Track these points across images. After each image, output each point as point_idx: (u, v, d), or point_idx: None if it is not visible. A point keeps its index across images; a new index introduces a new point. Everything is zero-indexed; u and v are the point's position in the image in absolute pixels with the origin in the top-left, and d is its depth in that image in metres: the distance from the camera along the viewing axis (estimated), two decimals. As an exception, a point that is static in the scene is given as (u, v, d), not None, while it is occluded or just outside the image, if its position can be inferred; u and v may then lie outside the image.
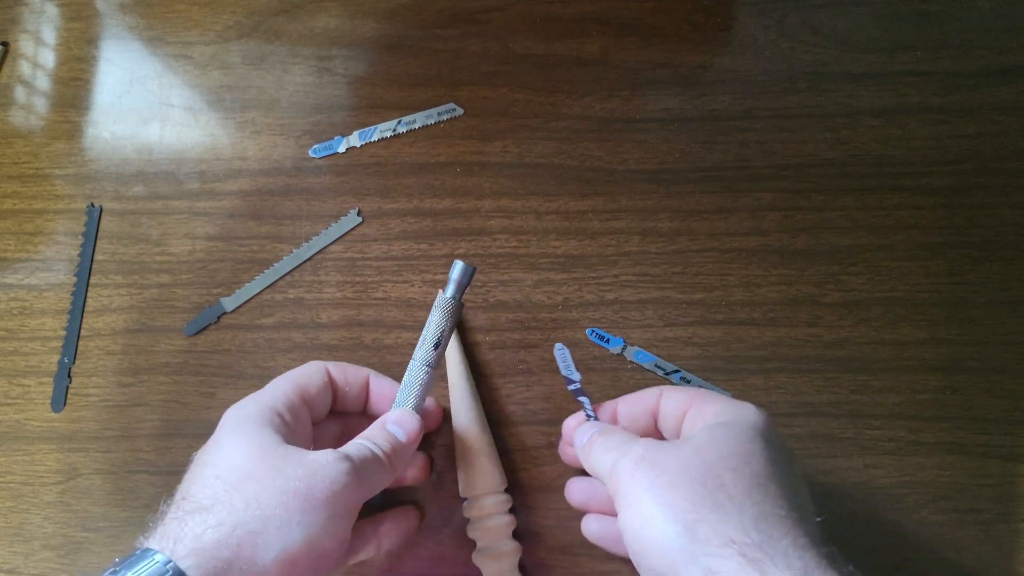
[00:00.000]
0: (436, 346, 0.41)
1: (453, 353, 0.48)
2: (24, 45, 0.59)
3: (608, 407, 0.42)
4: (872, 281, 0.50)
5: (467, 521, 0.46)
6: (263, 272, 0.52)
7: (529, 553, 0.46)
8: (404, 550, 0.47)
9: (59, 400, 0.51)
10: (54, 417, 0.51)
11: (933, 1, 0.55)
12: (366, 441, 0.38)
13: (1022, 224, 0.51)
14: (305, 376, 0.41)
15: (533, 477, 0.48)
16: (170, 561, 0.30)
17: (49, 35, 0.59)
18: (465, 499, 0.46)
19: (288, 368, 0.42)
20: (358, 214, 0.53)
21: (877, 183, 0.52)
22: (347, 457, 0.36)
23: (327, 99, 0.56)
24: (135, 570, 0.30)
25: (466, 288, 0.42)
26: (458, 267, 0.41)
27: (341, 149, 0.55)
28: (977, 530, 0.46)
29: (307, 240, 0.53)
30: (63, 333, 0.52)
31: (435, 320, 0.41)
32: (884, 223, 0.51)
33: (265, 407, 0.38)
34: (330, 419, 0.44)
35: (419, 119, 0.55)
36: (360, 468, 0.36)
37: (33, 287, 0.54)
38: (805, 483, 0.35)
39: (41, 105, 0.58)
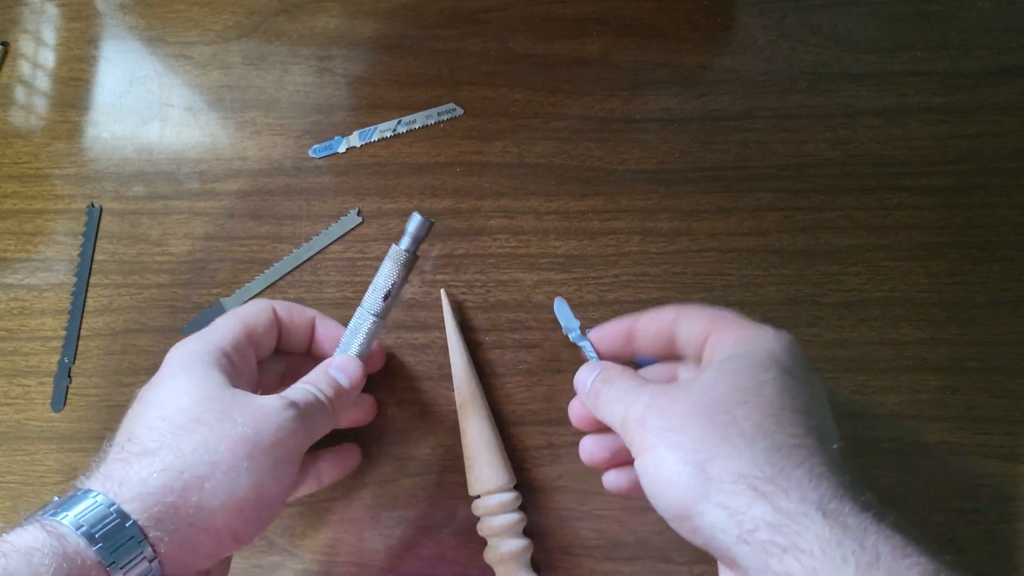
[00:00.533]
0: (385, 297, 0.41)
1: (458, 352, 0.48)
2: (24, 45, 0.59)
3: (621, 327, 0.41)
4: (872, 281, 0.50)
5: (476, 520, 0.46)
6: (263, 272, 0.52)
7: (529, 553, 0.47)
8: (405, 549, 0.47)
9: (59, 400, 0.51)
10: (54, 417, 0.51)
11: (933, 1, 0.55)
12: (310, 386, 0.38)
13: (1022, 224, 0.51)
14: (252, 315, 0.41)
15: (533, 477, 0.48)
16: (113, 504, 0.30)
17: (49, 35, 0.59)
18: (474, 498, 0.46)
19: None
20: (358, 214, 0.53)
21: (877, 183, 0.52)
22: (293, 404, 0.36)
23: (327, 99, 0.56)
24: (75, 511, 0.30)
25: (421, 242, 0.41)
26: (415, 220, 0.41)
27: (341, 149, 0.55)
28: (977, 530, 0.46)
29: (307, 240, 0.53)
30: (63, 333, 0.52)
31: (386, 270, 0.41)
32: (884, 223, 0.51)
33: (212, 346, 0.37)
34: (274, 358, 0.44)
35: (419, 119, 0.55)
36: (305, 414, 0.36)
37: (33, 287, 0.54)
38: (828, 408, 0.34)
39: (41, 105, 0.58)
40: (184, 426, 0.33)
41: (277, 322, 0.42)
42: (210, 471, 0.32)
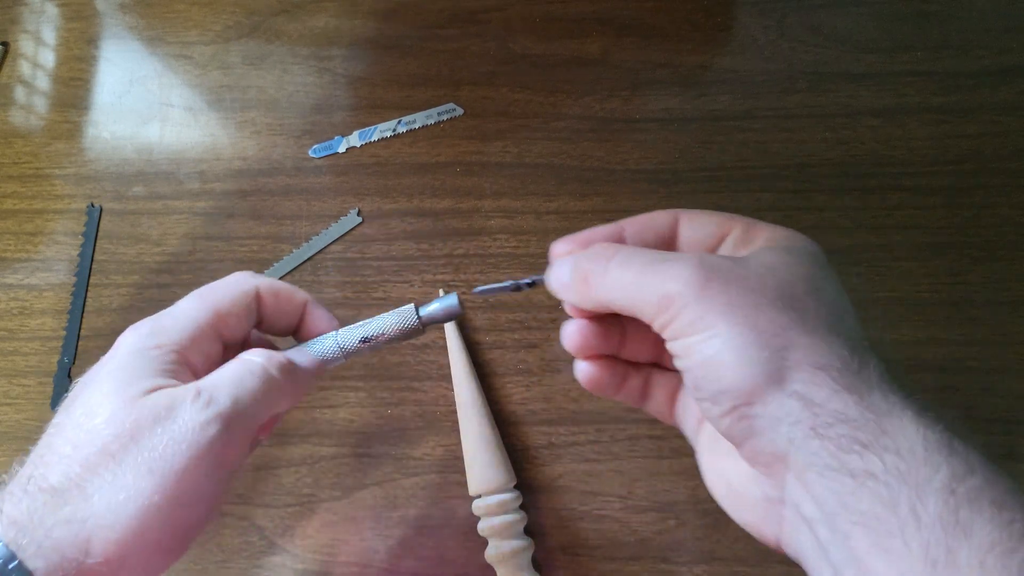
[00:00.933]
0: (364, 341, 0.35)
1: (457, 353, 0.48)
2: (24, 45, 0.59)
3: (606, 233, 0.33)
4: (872, 281, 0.50)
5: (476, 520, 0.46)
6: (263, 272, 0.52)
7: (529, 553, 0.47)
8: (405, 549, 0.47)
9: (59, 400, 0.51)
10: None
11: (933, 1, 0.55)
12: (248, 355, 0.32)
13: (1022, 224, 0.51)
14: (227, 299, 0.34)
15: (533, 477, 0.48)
16: (14, 559, 0.27)
17: (49, 35, 0.59)
18: (475, 498, 0.46)
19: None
20: (358, 214, 0.53)
21: (877, 183, 0.52)
22: (211, 402, 0.30)
23: (327, 99, 0.56)
24: None
25: (438, 323, 0.36)
26: (449, 301, 0.35)
27: (341, 149, 0.55)
28: (977, 530, 0.46)
29: (307, 240, 0.53)
30: (63, 333, 0.52)
31: (386, 322, 0.35)
32: (884, 223, 0.51)
33: (165, 340, 0.32)
34: (250, 338, 0.38)
35: (419, 119, 0.55)
36: (228, 414, 0.30)
37: (33, 287, 0.54)
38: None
39: (41, 105, 0.58)
40: (91, 459, 0.29)
41: (259, 305, 0.36)
42: (115, 518, 0.28)
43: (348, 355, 0.36)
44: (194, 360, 0.33)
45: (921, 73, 0.54)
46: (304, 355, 0.36)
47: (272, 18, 0.58)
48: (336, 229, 0.53)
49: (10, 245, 0.55)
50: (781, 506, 0.27)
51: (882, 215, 0.51)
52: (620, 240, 0.33)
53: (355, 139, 0.55)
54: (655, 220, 0.33)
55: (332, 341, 0.36)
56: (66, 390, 0.51)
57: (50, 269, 0.54)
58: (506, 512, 0.45)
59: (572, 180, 0.53)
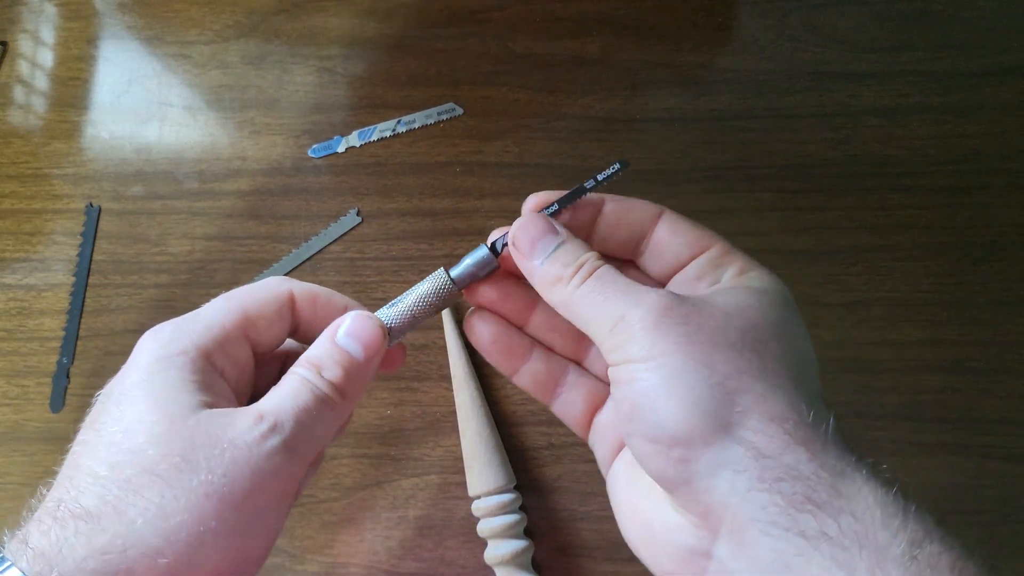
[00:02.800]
0: (402, 318, 0.32)
1: (457, 353, 0.48)
2: (23, 44, 0.59)
3: (586, 203, 0.31)
4: (873, 281, 0.50)
5: (476, 521, 0.45)
6: (262, 272, 0.52)
7: (529, 554, 0.46)
8: (405, 549, 0.47)
9: (58, 401, 0.51)
10: (53, 418, 0.51)
11: (934, 1, 0.55)
12: (302, 383, 0.29)
13: (1023, 224, 0.51)
14: (258, 302, 0.31)
15: (533, 478, 0.48)
16: None
17: (48, 34, 0.59)
18: (474, 499, 0.46)
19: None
20: (357, 214, 0.53)
21: (878, 183, 0.52)
22: (275, 428, 0.27)
23: (326, 99, 0.56)
24: None
25: (476, 280, 0.32)
26: (479, 252, 0.32)
27: (340, 149, 0.55)
28: (978, 531, 0.46)
29: (306, 240, 0.53)
30: (62, 333, 0.52)
31: (420, 292, 0.32)
32: (885, 223, 0.51)
33: (191, 346, 0.29)
34: (285, 350, 0.34)
35: (419, 119, 0.55)
36: (296, 438, 0.27)
37: (32, 287, 0.53)
38: None
39: (40, 105, 0.57)
40: (133, 480, 0.26)
41: (292, 311, 0.32)
42: (165, 543, 0.25)
43: (391, 341, 0.32)
44: (222, 365, 0.30)
45: (922, 73, 0.54)
46: (360, 315, 0.31)
47: (271, 17, 0.58)
48: (335, 229, 0.53)
49: (9, 245, 0.54)
50: (706, 559, 0.25)
51: (882, 215, 0.51)
52: (598, 213, 0.31)
53: (354, 139, 0.55)
54: (636, 209, 0.31)
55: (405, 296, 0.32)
56: (65, 390, 0.51)
57: (49, 269, 0.54)
58: (506, 513, 0.45)
59: (572, 180, 0.53)
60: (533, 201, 0.31)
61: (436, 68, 0.56)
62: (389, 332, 0.32)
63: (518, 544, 0.44)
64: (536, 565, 0.46)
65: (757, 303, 0.27)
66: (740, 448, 0.24)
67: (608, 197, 0.32)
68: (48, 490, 0.28)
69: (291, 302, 0.32)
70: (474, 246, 0.52)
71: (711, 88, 0.54)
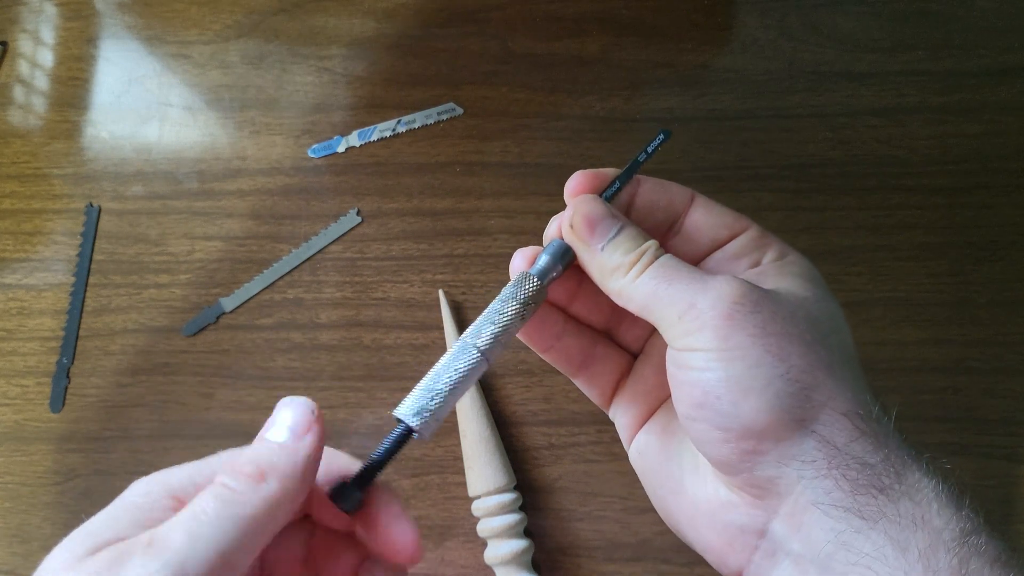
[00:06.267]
0: (503, 329, 0.29)
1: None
2: (23, 44, 0.59)
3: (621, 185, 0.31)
4: (873, 281, 0.50)
5: (476, 521, 0.45)
6: (262, 272, 0.52)
7: (529, 554, 0.46)
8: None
9: (57, 401, 0.51)
10: (52, 418, 0.51)
11: (934, 1, 0.55)
12: (223, 478, 0.23)
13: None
14: (274, 518, 0.23)
15: (533, 478, 0.48)
16: None
17: (48, 34, 0.59)
18: (474, 499, 0.46)
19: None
20: (357, 214, 0.53)
21: (878, 183, 0.52)
22: (160, 549, 0.21)
23: (326, 99, 0.56)
24: None
25: (559, 274, 0.30)
26: (554, 245, 0.30)
27: (340, 149, 0.55)
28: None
29: (306, 240, 0.53)
30: (61, 333, 0.52)
31: (508, 296, 0.29)
32: (885, 223, 0.51)
33: (153, 491, 0.24)
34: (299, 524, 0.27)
35: (419, 119, 0.55)
36: (193, 559, 0.21)
37: (32, 287, 0.53)
38: None
39: (40, 105, 0.57)
40: None
41: (312, 497, 0.26)
42: None
43: (490, 358, 0.29)
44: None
45: (922, 72, 0.54)
46: (287, 402, 0.26)
47: (271, 17, 0.58)
48: (335, 229, 0.53)
49: (8, 245, 0.54)
50: (757, 537, 0.25)
51: (882, 215, 0.51)
52: (633, 194, 0.31)
53: (354, 139, 0.55)
54: (671, 191, 0.31)
55: (471, 351, 0.30)
56: (65, 390, 0.51)
57: (48, 269, 0.54)
58: (506, 513, 0.45)
59: (572, 180, 0.53)
60: (578, 179, 0.31)
61: (436, 68, 0.56)
62: (488, 359, 0.29)
63: (518, 544, 0.44)
64: (536, 565, 0.46)
65: (813, 295, 0.28)
66: (812, 440, 0.24)
67: (643, 178, 0.32)
68: None
69: (313, 497, 0.26)
70: (474, 246, 0.52)
71: (711, 88, 0.54)
